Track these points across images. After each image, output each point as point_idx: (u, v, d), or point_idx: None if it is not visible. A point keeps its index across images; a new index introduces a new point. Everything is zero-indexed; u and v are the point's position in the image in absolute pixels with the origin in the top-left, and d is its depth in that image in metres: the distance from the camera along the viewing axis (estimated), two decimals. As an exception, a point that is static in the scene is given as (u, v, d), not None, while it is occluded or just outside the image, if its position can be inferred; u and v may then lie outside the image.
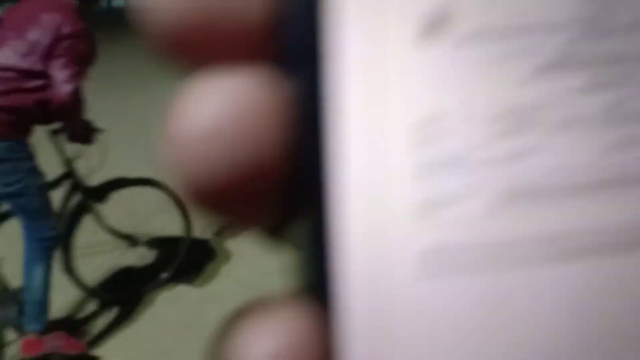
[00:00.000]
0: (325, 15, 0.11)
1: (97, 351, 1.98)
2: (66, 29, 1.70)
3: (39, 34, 1.69)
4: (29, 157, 1.76)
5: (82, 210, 2.10)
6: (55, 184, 2.01)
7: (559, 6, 0.12)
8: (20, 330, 1.82)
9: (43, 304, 1.80)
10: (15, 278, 1.88)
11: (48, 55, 1.68)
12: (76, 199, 2.08)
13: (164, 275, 2.35)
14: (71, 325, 2.08)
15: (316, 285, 0.12)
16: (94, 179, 2.11)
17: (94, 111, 2.05)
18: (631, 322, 0.12)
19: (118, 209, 2.20)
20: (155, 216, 2.30)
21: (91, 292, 2.23)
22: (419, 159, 0.12)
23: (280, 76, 0.12)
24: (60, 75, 1.68)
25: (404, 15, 0.11)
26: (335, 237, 0.12)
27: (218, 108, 0.11)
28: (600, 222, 0.12)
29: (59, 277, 2.00)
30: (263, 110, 0.12)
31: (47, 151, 1.96)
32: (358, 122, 0.11)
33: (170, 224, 2.34)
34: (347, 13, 0.11)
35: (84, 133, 1.91)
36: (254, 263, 2.37)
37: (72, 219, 2.06)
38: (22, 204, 1.76)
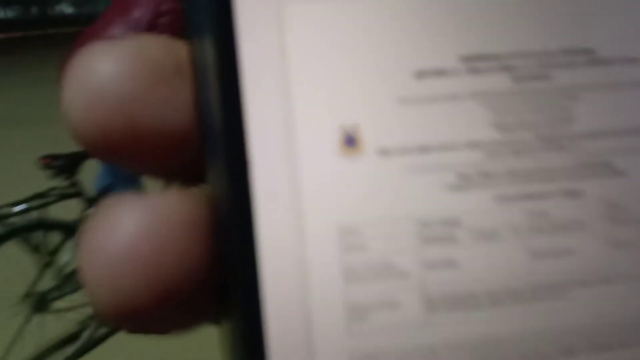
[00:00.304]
0: (244, 126, 0.12)
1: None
2: (165, 6, 1.77)
3: (141, 11, 1.77)
4: None
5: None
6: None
7: (466, 127, 0.12)
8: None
9: None
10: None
11: (149, 30, 1.77)
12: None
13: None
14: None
15: None
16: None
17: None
18: None
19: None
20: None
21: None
22: (346, 266, 0.13)
23: (200, 186, 0.13)
24: None
25: (317, 130, 0.12)
26: (264, 344, 0.12)
27: (132, 231, 0.11)
28: (526, 329, 0.13)
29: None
30: (179, 228, 0.12)
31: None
32: (276, 230, 0.12)
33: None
34: (263, 124, 0.12)
35: None
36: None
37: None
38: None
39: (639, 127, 0.13)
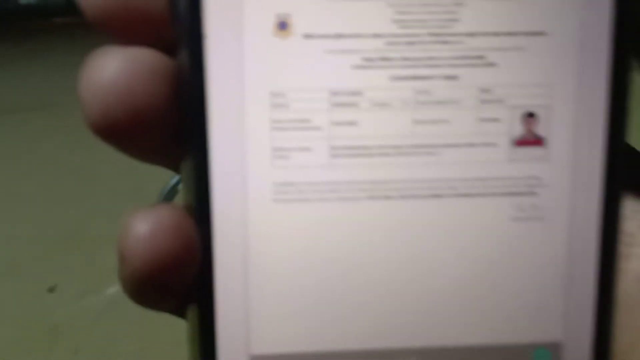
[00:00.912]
0: (201, 12, 0.16)
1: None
2: None
3: None
4: None
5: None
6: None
7: (372, 22, 0.17)
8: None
9: None
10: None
11: None
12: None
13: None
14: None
15: (195, 206, 0.17)
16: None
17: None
18: (422, 250, 0.17)
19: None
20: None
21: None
22: (273, 119, 0.17)
23: (168, 51, 0.17)
24: None
25: (258, 15, 0.17)
26: (210, 170, 0.17)
27: (116, 67, 0.16)
28: (405, 176, 0.17)
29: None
30: (150, 72, 0.16)
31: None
32: (223, 88, 0.17)
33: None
34: (215, 11, 0.16)
35: None
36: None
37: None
38: None
39: (510, 31, 0.17)
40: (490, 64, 0.17)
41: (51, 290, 1.69)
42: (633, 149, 0.19)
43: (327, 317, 0.17)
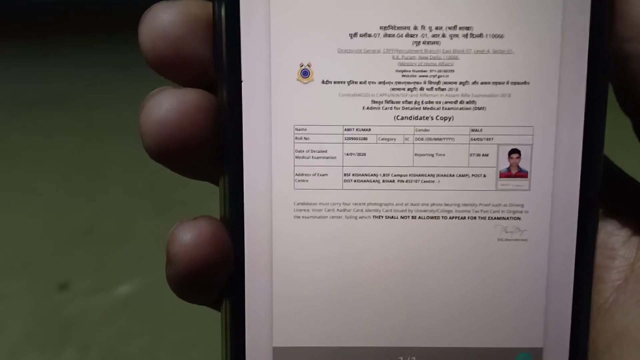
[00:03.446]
0: (239, 61, 0.19)
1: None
2: None
3: None
4: None
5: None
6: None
7: (379, 71, 0.20)
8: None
9: None
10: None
11: None
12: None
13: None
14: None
15: (230, 219, 0.20)
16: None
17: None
18: (418, 257, 0.20)
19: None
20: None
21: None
22: (296, 149, 0.20)
23: (210, 89, 0.20)
24: None
25: (286, 65, 0.20)
26: (243, 190, 0.20)
27: (169, 106, 0.19)
28: (406, 200, 0.20)
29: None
30: (196, 109, 0.19)
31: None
32: (255, 122, 0.20)
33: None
34: (250, 60, 0.19)
35: None
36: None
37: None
38: None
39: (497, 80, 0.20)
40: (480, 108, 0.20)
41: (62, 287, 1.71)
42: (623, 174, 0.22)
43: (337, 318, 0.20)
